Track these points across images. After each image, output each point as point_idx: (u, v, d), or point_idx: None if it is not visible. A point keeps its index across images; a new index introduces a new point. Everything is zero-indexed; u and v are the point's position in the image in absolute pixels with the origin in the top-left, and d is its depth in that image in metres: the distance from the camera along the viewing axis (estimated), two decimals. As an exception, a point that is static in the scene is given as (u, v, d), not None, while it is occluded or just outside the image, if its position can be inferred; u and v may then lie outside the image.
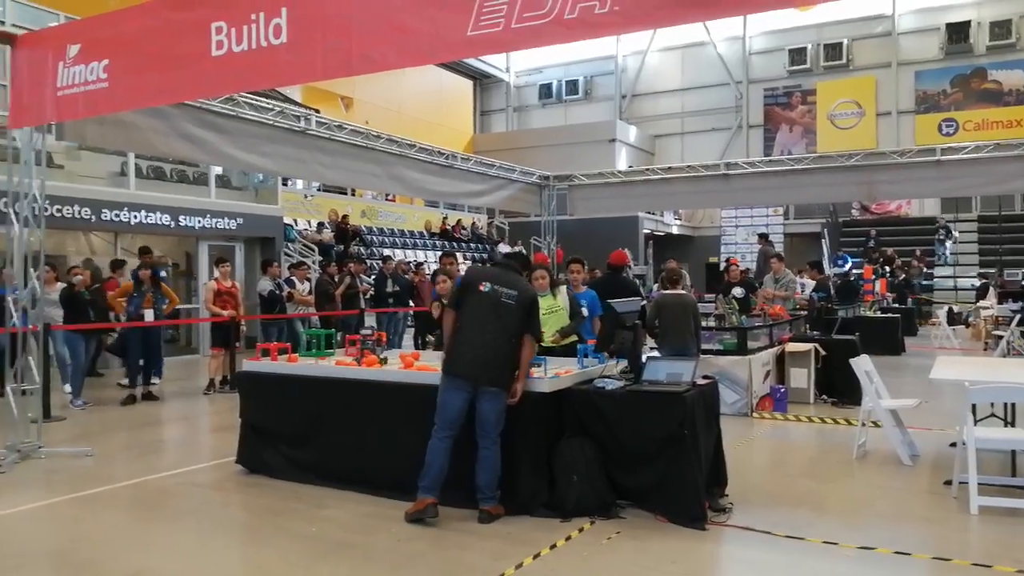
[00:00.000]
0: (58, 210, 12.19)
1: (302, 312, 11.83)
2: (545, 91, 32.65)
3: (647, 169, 13.51)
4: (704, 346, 8.46)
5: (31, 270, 6.74)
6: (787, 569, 4.28)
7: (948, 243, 24.41)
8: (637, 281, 11.84)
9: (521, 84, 33.56)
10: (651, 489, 5.02)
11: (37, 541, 4.88)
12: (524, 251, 21.02)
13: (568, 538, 4.63)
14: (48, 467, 6.54)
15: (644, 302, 9.33)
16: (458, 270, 9.00)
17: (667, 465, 4.93)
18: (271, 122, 8.70)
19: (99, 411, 9.15)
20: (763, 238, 16.55)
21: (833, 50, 27.75)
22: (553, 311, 6.44)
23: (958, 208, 26.07)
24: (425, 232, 23.35)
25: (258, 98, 8.51)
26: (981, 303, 18.46)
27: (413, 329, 14.85)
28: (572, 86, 32.06)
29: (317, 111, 15.59)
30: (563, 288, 6.57)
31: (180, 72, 5.51)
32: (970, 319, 18.54)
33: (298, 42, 4.96)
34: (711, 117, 30.06)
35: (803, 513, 5.18)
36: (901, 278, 21.73)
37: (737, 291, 11.72)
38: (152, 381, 9.84)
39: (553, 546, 4.50)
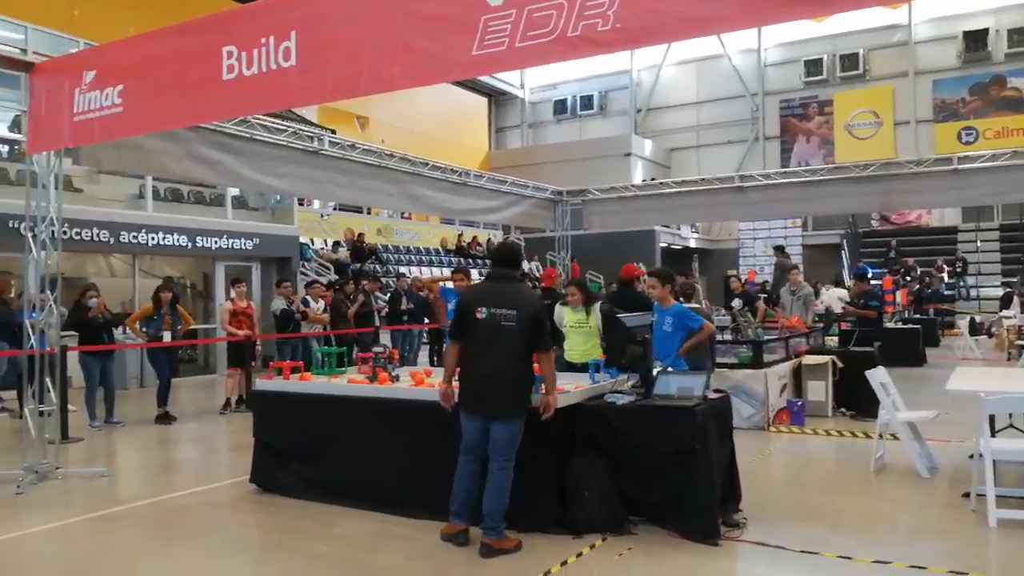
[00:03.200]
0: (77, 233, 12.40)
1: (317, 331, 11.89)
2: (560, 107, 32.76)
3: (661, 183, 13.50)
4: (719, 359, 8.43)
5: (48, 292, 6.84)
6: (801, 585, 4.22)
7: (967, 277, 24.02)
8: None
9: (536, 100, 33.70)
10: (664, 505, 4.97)
11: (54, 561, 4.92)
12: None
13: (579, 555, 4.60)
14: (64, 488, 6.60)
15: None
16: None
17: (680, 480, 4.89)
18: (285, 143, 8.79)
19: (117, 432, 9.23)
20: (779, 250, 16.43)
21: (849, 60, 27.66)
22: (581, 326, 6.44)
23: (979, 217, 25.82)
24: (441, 249, 23.45)
25: (272, 120, 8.61)
26: (1004, 312, 18.22)
27: (428, 346, 14.91)
28: (587, 101, 32.15)
29: (333, 131, 15.77)
30: (597, 305, 6.56)
31: (192, 96, 5.60)
32: (993, 329, 18.28)
33: (307, 64, 5.01)
34: (727, 130, 30.01)
35: (818, 528, 5.12)
36: (916, 288, 21.53)
37: (736, 303, 11.60)
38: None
39: (564, 563, 4.48)
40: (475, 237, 24.70)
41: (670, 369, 5.74)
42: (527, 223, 14.31)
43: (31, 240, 6.78)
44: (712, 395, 5.23)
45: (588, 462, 5.08)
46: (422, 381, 5.88)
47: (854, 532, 5.06)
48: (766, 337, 9.25)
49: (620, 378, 5.67)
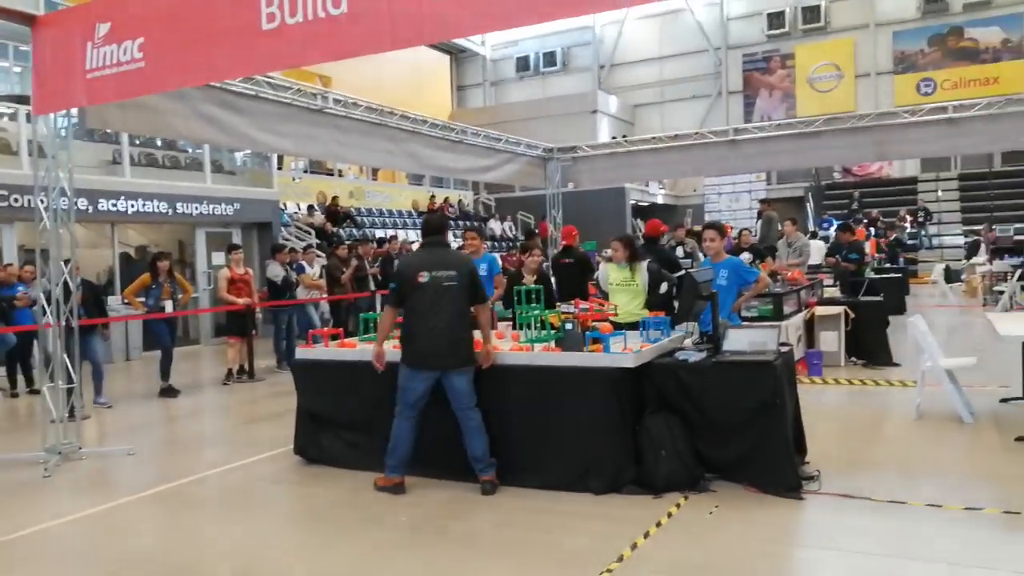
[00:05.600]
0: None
1: (314, 297, 11.57)
2: (522, 64, 32.19)
3: (654, 138, 13.31)
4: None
5: (62, 266, 6.43)
6: (907, 534, 4.18)
7: (929, 226, 24.43)
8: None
9: (497, 57, 33.07)
10: (740, 461, 4.93)
11: (123, 546, 4.62)
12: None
13: (669, 515, 4.53)
14: (93, 468, 6.28)
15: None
16: (482, 246, 8.85)
17: (757, 436, 4.85)
18: (288, 100, 8.39)
19: (120, 408, 8.84)
20: (765, 203, 16.47)
21: (811, 12, 27.71)
22: (627, 284, 6.28)
23: (939, 167, 26.37)
24: (413, 211, 23.03)
25: (278, 77, 8.18)
26: (974, 260, 18.73)
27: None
28: (549, 58, 31.66)
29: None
30: (644, 264, 6.37)
31: (226, 49, 5.20)
32: (963, 276, 18.79)
33: (361, 10, 4.68)
34: (690, 85, 29.91)
35: (891, 476, 5.15)
36: (892, 238, 21.95)
37: (745, 256, 11.65)
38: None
39: (659, 523, 4.40)
40: (446, 198, 24.30)
41: (730, 324, 5.65)
42: (522, 181, 14.05)
43: (42, 211, 6.34)
44: (783, 348, 5.19)
45: (662, 421, 5.00)
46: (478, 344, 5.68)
47: (929, 479, 5.09)
48: (781, 289, 9.27)
49: (679, 335, 5.59)
